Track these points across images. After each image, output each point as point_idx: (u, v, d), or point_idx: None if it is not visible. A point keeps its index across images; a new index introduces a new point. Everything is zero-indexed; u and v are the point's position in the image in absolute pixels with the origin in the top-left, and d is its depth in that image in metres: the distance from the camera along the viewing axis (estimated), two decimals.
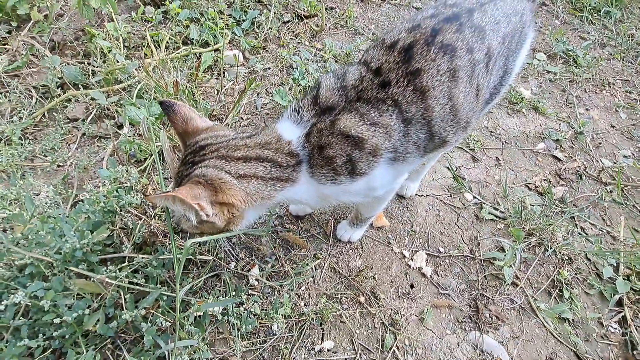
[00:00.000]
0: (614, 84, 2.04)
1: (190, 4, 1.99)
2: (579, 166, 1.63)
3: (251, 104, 1.68)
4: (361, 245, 1.28)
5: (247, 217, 0.86)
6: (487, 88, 0.88)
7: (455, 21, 0.80)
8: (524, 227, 1.37)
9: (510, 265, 1.26)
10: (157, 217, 1.15)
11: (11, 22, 2.01)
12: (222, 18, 2.04)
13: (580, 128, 1.77)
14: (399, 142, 0.80)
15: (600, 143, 1.75)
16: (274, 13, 2.07)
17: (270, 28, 2.02)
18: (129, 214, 1.05)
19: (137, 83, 1.57)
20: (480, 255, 1.30)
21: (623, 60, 2.17)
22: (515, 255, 1.27)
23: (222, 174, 0.77)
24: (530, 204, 1.47)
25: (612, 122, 1.85)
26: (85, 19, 1.82)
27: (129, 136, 1.40)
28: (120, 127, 1.54)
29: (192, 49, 1.82)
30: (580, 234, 1.40)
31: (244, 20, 2.04)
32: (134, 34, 1.89)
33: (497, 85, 0.94)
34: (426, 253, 1.29)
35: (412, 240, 1.32)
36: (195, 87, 1.62)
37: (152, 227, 1.08)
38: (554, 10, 2.48)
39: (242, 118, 1.60)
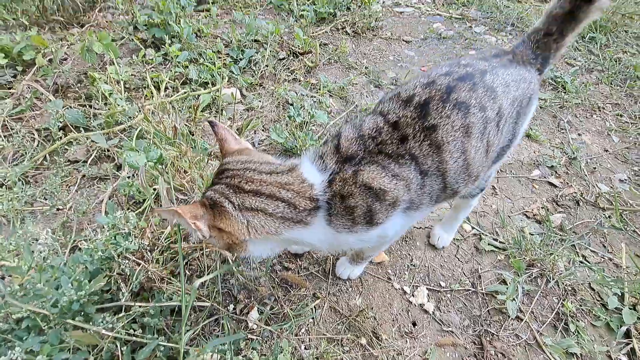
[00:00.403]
0: (604, 108, 2.08)
1: (189, 46, 2.08)
2: (575, 192, 1.64)
3: (248, 141, 1.71)
4: (361, 282, 1.27)
5: (251, 249, 0.84)
6: (497, 146, 0.91)
7: (469, 80, 0.84)
8: (524, 258, 1.36)
9: (514, 299, 1.24)
10: (155, 261, 1.15)
11: (17, 67, 2.09)
12: (220, 57, 2.12)
13: (574, 153, 1.79)
14: (415, 193, 0.83)
15: (594, 168, 1.76)
16: (270, 51, 2.15)
17: (267, 65, 2.10)
18: (127, 260, 1.04)
19: (137, 124, 1.61)
20: (482, 289, 1.29)
21: (611, 84, 2.23)
22: (517, 288, 1.25)
23: (225, 202, 0.79)
24: (530, 233, 1.46)
25: (605, 146, 1.88)
26: (88, 63, 1.90)
27: (128, 176, 1.43)
28: (120, 168, 1.56)
29: (191, 89, 1.88)
30: (582, 262, 1.39)
31: (241, 59, 2.12)
32: (134, 76, 1.96)
33: (504, 146, 0.98)
34: (427, 288, 1.28)
35: (412, 275, 1.31)
36: (195, 126, 1.67)
37: (149, 273, 1.08)
38: None
39: None
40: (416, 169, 0.80)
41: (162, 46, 2.08)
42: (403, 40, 2.54)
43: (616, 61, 2.38)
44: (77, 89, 1.92)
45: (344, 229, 0.83)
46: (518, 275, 1.30)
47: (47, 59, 2.12)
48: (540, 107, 2.04)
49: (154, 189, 1.21)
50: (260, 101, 1.90)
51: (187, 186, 1.27)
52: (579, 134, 1.93)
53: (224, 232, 0.79)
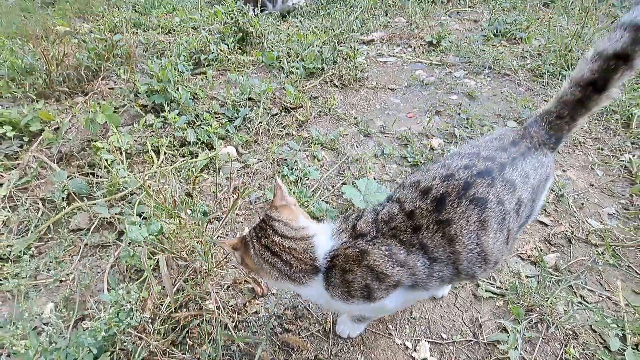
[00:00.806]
0: (584, 143, 2.17)
1: (187, 109, 2.20)
2: (566, 230, 1.67)
3: (245, 199, 1.77)
4: (362, 340, 1.27)
5: (266, 281, 1.11)
6: (516, 228, 0.95)
7: (487, 176, 0.86)
8: (522, 303, 1.37)
9: (515, 347, 1.24)
10: (157, 333, 1.16)
11: (23, 137, 2.20)
12: (216, 117, 2.25)
13: (560, 190, 1.85)
14: (421, 276, 0.86)
15: (582, 203, 1.81)
16: (263, 108, 2.28)
17: (260, 122, 2.21)
18: (129, 337, 1.06)
19: (137, 191, 1.68)
20: (483, 339, 1.28)
21: (588, 119, 2.34)
22: (518, 337, 1.25)
23: (250, 246, 0.97)
24: (526, 276, 1.48)
25: (590, 181, 1.94)
26: (91, 132, 2.01)
27: (129, 242, 1.47)
28: (121, 234, 1.61)
29: (189, 151, 1.97)
30: (580, 303, 1.39)
31: (236, 118, 2.24)
32: (136, 141, 2.07)
33: (522, 223, 1.01)
34: (429, 341, 1.27)
35: (413, 328, 1.31)
36: (193, 189, 1.74)
37: (151, 347, 1.09)
38: (516, 79, 2.73)
39: (237, 214, 1.68)
40: (424, 256, 0.84)
41: (162, 111, 2.21)
42: (388, 88, 2.69)
43: None
44: (80, 158, 2.01)
45: (339, 298, 0.88)
46: (518, 322, 1.30)
47: (53, 128, 2.24)
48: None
49: (155, 261, 1.25)
50: (255, 158, 1.99)
51: (186, 253, 1.30)
52: (564, 170, 2.00)
53: (248, 265, 0.99)
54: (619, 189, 1.89)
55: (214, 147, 2.00)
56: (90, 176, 1.86)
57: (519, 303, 1.37)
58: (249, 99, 2.42)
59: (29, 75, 2.65)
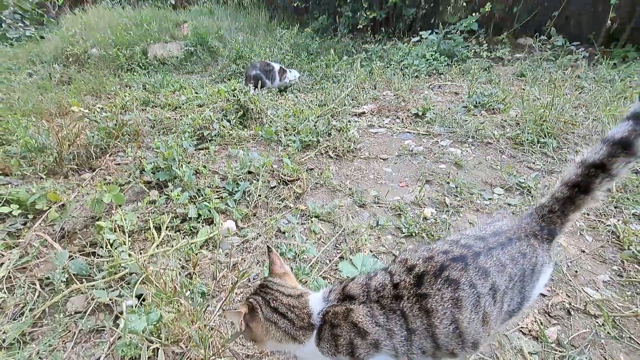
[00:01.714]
0: None
1: (189, 185, 2.31)
2: (564, 300, 1.68)
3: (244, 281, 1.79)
4: None
5: (268, 345, 1.08)
6: (498, 314, 1.01)
7: (461, 261, 0.98)
8: None
9: None
10: None
11: (28, 215, 2.26)
12: (217, 191, 2.35)
13: (553, 259, 1.89)
14: (399, 344, 0.96)
15: (576, 271, 1.84)
16: (262, 182, 2.39)
17: (259, 195, 2.31)
18: None
19: (138, 270, 1.70)
20: None
21: None
22: None
23: (259, 311, 1.05)
24: (529, 353, 1.45)
25: (581, 247, 1.99)
26: (96, 212, 2.08)
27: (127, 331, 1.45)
28: (117, 318, 1.59)
29: (190, 226, 2.03)
30: None
31: (236, 192, 2.35)
32: (138, 218, 2.13)
33: (514, 309, 1.06)
34: None
35: None
36: (194, 272, 1.76)
37: None
38: (498, 146, 2.93)
39: (236, 293, 1.68)
40: (403, 325, 0.95)
41: (165, 187, 2.32)
42: (380, 158, 2.86)
43: (570, 162, 2.67)
44: (82, 236, 2.06)
45: (328, 353, 1.00)
46: None
47: (59, 204, 2.32)
48: (513, 213, 2.22)
49: (151, 350, 1.23)
50: (255, 233, 2.05)
51: (184, 342, 1.29)
52: None
53: (251, 329, 1.05)
54: (609, 255, 1.94)
55: (214, 222, 2.06)
56: (92, 256, 1.88)
57: None
58: (249, 172, 2.56)
59: (40, 154, 2.80)
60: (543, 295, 1.73)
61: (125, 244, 1.78)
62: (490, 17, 6.15)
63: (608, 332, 1.54)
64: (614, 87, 3.67)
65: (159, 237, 1.87)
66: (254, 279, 1.77)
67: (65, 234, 2.14)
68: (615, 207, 2.24)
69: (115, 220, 1.95)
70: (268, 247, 1.23)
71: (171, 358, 1.34)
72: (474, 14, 5.50)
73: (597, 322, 1.58)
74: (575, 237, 2.07)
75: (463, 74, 4.79)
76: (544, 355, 1.43)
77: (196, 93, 4.13)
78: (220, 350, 1.34)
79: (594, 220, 2.17)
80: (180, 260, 1.77)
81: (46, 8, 7.76)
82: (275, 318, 1.03)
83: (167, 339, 1.25)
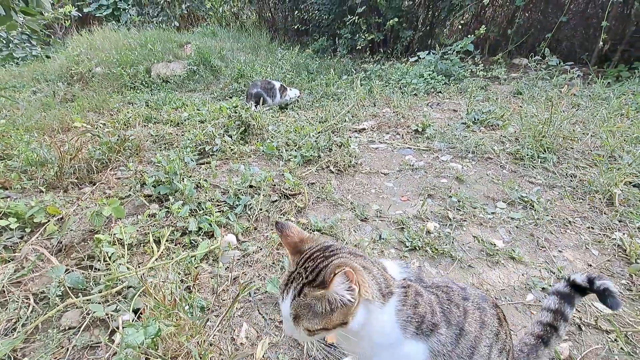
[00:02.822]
0: (574, 222, 2.25)
1: (190, 199, 2.29)
2: (574, 315, 1.63)
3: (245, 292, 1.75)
4: None
5: (357, 314, 0.90)
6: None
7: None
8: None
9: None
10: None
11: (25, 229, 2.23)
12: (218, 205, 2.33)
13: (560, 272, 1.86)
14: (449, 339, 0.94)
15: None
16: (264, 196, 2.38)
17: (261, 209, 2.29)
18: None
19: (135, 284, 1.65)
20: None
21: (573, 198, 2.46)
22: None
23: (355, 264, 0.90)
24: None
25: (587, 261, 1.96)
26: (95, 226, 2.05)
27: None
28: (113, 333, 1.53)
29: (190, 239, 2.00)
30: None
31: (237, 205, 2.33)
32: (137, 231, 2.10)
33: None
34: None
35: None
36: (194, 285, 1.71)
37: None
38: (499, 162, 2.94)
39: (236, 308, 1.64)
40: (460, 323, 0.95)
41: (166, 200, 2.30)
42: (381, 173, 2.86)
43: (571, 177, 2.68)
44: (79, 249, 2.02)
45: (402, 317, 0.93)
46: None
47: (58, 218, 2.28)
48: (517, 227, 2.19)
49: None
50: (255, 246, 2.01)
51: (182, 357, 1.24)
52: (560, 251, 2.03)
53: (360, 289, 0.87)
54: (617, 269, 1.90)
55: (215, 235, 2.03)
56: (89, 269, 1.84)
57: None
58: (250, 186, 2.54)
59: (41, 167, 2.79)
60: None
61: (123, 257, 1.74)
62: (486, 38, 6.34)
63: (622, 348, 1.49)
64: (610, 104, 3.74)
65: (158, 251, 1.83)
66: (254, 293, 1.72)
67: (63, 247, 2.09)
68: (619, 221, 2.22)
69: (115, 234, 1.92)
70: (277, 223, 1.07)
71: None
72: (469, 36, 5.67)
73: (609, 338, 1.54)
74: (580, 251, 2.04)
75: (461, 93, 4.88)
76: None
77: (198, 110, 4.17)
78: None
79: (599, 234, 2.15)
80: (179, 273, 1.73)
81: (53, 29, 7.98)
82: (372, 277, 0.93)
83: (165, 355, 1.20)
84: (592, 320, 1.61)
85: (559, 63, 5.17)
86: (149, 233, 2.00)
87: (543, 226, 2.20)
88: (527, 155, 2.94)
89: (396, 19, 6.30)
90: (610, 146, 2.90)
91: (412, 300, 0.94)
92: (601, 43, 5.11)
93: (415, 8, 6.57)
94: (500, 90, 4.90)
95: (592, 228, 2.20)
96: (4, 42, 7.29)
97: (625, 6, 5.26)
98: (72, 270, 1.83)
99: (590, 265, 1.94)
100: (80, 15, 8.19)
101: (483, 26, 5.80)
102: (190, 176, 2.58)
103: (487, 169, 2.87)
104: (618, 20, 5.41)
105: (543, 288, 1.78)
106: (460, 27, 6.88)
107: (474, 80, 5.10)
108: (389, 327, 0.93)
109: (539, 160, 2.89)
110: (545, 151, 2.96)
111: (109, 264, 1.71)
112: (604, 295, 1.06)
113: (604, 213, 2.30)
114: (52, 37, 7.85)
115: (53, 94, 5.43)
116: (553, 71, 5.06)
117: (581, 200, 2.44)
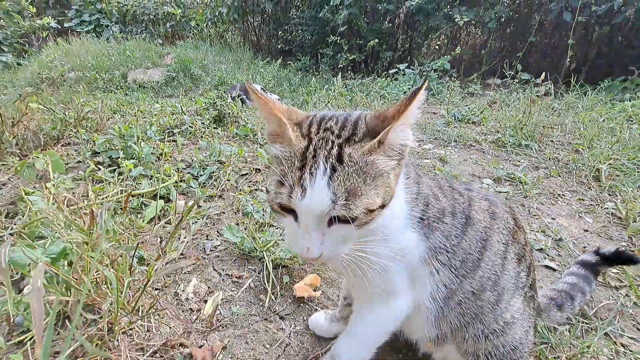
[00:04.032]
0: (564, 195, 2.12)
1: (147, 165, 2.03)
2: None
3: (198, 247, 1.46)
4: None
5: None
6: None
7: None
8: (559, 357, 1.03)
9: None
10: None
11: None
12: (180, 174, 2.06)
13: (557, 235, 1.68)
14: (453, 231, 0.84)
15: (585, 247, 1.63)
16: (233, 170, 2.14)
17: (228, 179, 2.04)
18: None
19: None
20: None
21: (560, 176, 2.35)
22: None
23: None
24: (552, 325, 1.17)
25: (583, 227, 1.81)
26: (26, 180, 1.75)
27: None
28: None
29: (140, 201, 1.72)
30: (625, 352, 1.07)
31: (201, 175, 2.07)
32: (74, 193, 1.79)
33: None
34: None
35: None
36: (134, 236, 1.42)
37: None
38: (481, 148, 2.85)
39: (187, 265, 1.34)
40: (462, 220, 0.84)
41: (119, 167, 2.02)
42: None
43: (556, 159, 2.60)
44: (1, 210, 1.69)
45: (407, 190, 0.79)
46: None
47: None
48: (506, 199, 2.04)
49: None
50: (219, 210, 1.75)
51: (94, 286, 0.94)
52: (553, 218, 1.87)
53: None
54: (615, 233, 1.75)
55: (171, 199, 1.76)
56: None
57: (556, 358, 1.03)
58: (219, 161, 2.31)
59: None
60: (552, 269, 1.48)
61: (49, 200, 1.44)
62: (461, 59, 6.62)
63: (635, 303, 1.29)
64: (583, 103, 3.83)
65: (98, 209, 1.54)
66: (211, 250, 1.44)
67: None
68: (609, 194, 2.11)
69: (48, 188, 1.62)
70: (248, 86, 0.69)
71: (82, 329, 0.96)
72: (446, 56, 5.89)
73: (619, 294, 1.34)
74: (574, 219, 1.89)
75: (440, 103, 4.93)
76: (569, 328, 1.15)
77: (171, 104, 3.98)
78: (150, 311, 0.98)
79: (590, 204, 2.02)
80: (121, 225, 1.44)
81: (29, 39, 7.79)
82: None
83: (71, 282, 0.90)
84: (600, 278, 1.42)
85: (531, 79, 5.38)
86: (89, 192, 1.71)
87: (533, 198, 2.05)
88: (509, 142, 2.87)
89: (377, 40, 6.52)
90: (588, 135, 2.88)
91: (415, 177, 0.83)
92: (567, 61, 5.39)
93: (394, 30, 6.85)
94: (477, 101, 4.99)
95: (583, 200, 2.07)
96: None
97: (587, 31, 5.65)
98: None
99: (587, 231, 1.78)
100: (60, 27, 8.08)
101: (458, 47, 6.06)
102: (150, 145, 2.31)
103: (470, 154, 2.77)
104: (581, 45, 5.78)
105: (540, 249, 1.59)
106: (437, 48, 7.20)
107: (452, 91, 5.21)
108: (398, 207, 0.77)
109: (521, 148, 2.82)
110: (527, 138, 2.91)
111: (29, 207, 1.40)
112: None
113: (592, 188, 2.19)
114: (28, 46, 7.63)
115: (19, 96, 5.11)
116: (525, 86, 5.25)
117: (568, 178, 2.34)
